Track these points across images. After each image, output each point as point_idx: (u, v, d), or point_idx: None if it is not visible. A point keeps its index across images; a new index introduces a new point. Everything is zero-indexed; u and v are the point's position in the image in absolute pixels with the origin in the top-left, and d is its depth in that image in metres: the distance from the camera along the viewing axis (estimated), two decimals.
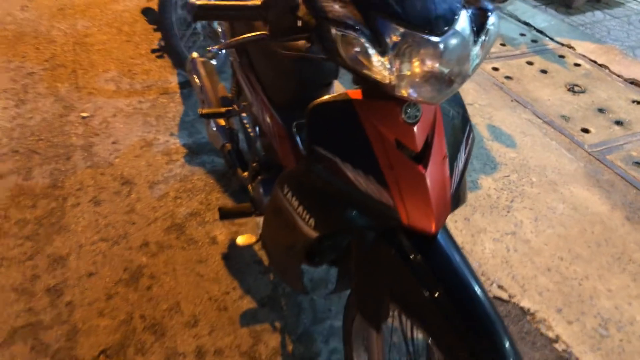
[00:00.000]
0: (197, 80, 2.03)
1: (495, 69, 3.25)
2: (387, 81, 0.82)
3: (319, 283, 1.80)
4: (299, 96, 1.30)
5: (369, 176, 0.90)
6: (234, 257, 1.85)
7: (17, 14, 3.40)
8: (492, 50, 3.44)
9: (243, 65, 1.56)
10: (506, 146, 2.53)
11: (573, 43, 3.62)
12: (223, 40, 2.86)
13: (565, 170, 2.41)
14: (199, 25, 2.79)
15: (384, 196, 0.90)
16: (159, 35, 3.26)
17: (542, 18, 3.96)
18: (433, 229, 0.89)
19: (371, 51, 0.81)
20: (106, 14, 3.51)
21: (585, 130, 2.73)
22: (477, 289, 0.87)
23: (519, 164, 2.43)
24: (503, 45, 3.55)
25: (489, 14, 0.90)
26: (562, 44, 3.62)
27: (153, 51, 3.11)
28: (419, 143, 0.89)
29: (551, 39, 3.69)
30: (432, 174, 0.90)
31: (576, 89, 3.10)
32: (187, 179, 2.18)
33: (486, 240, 2.00)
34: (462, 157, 0.98)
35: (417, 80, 0.82)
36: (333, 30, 0.81)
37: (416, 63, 0.81)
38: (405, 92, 0.83)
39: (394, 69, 0.82)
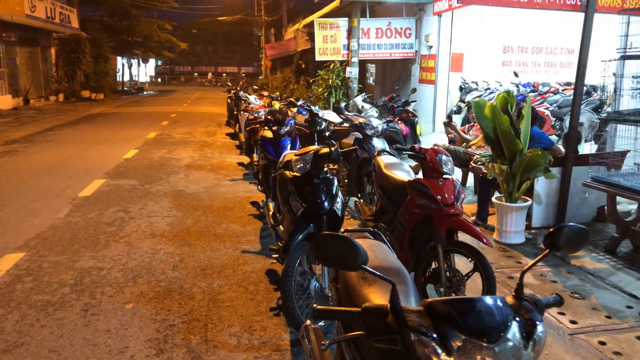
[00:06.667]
0: (308, 346, 2.34)
1: (602, 342, 3.20)
2: None
3: None
4: None
5: None
6: None
7: (169, 272, 4.19)
8: (597, 322, 3.44)
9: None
10: None
11: None
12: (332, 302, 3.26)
13: None
14: (312, 291, 3.25)
15: None
16: (278, 294, 3.77)
17: None
18: None
19: (439, 351, 1.08)
20: (237, 274, 4.18)
21: None
22: None
23: None
24: (609, 317, 3.54)
25: (537, 323, 1.16)
26: None
27: (271, 309, 3.57)
28: None
29: None
30: None
31: None
32: None
33: None
34: None
35: None
36: (411, 335, 1.11)
37: None
38: None
39: None
